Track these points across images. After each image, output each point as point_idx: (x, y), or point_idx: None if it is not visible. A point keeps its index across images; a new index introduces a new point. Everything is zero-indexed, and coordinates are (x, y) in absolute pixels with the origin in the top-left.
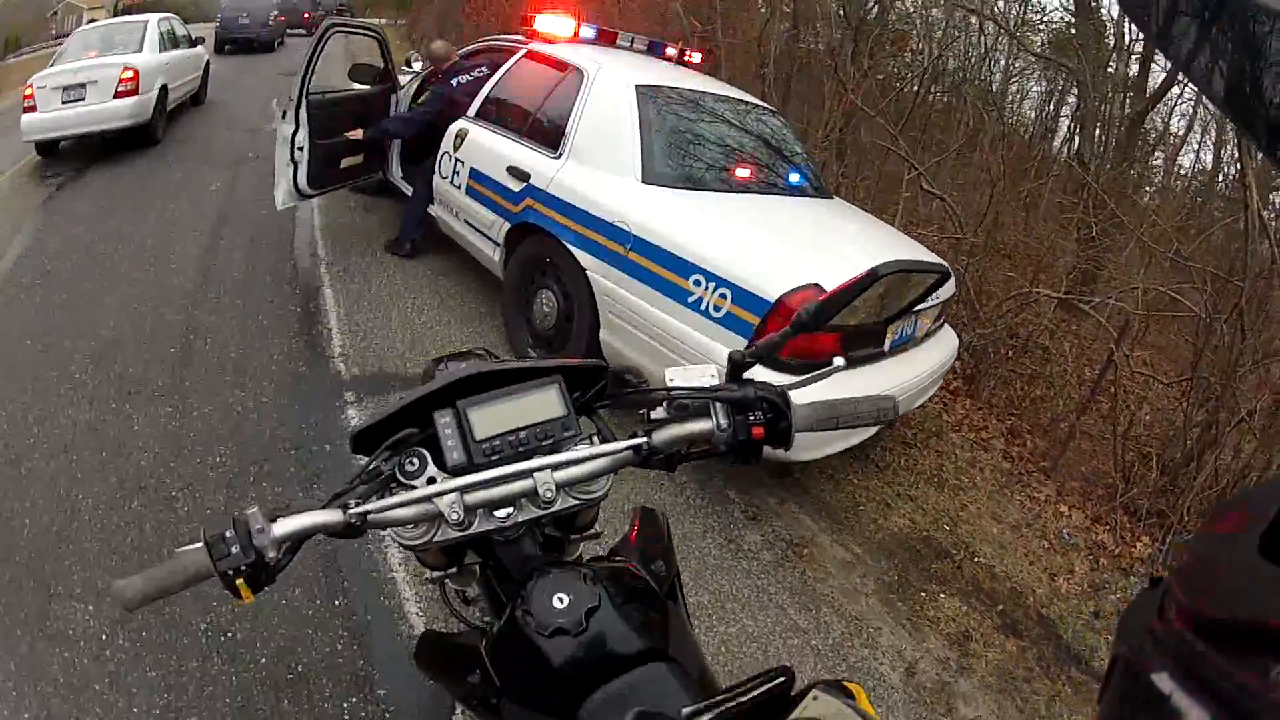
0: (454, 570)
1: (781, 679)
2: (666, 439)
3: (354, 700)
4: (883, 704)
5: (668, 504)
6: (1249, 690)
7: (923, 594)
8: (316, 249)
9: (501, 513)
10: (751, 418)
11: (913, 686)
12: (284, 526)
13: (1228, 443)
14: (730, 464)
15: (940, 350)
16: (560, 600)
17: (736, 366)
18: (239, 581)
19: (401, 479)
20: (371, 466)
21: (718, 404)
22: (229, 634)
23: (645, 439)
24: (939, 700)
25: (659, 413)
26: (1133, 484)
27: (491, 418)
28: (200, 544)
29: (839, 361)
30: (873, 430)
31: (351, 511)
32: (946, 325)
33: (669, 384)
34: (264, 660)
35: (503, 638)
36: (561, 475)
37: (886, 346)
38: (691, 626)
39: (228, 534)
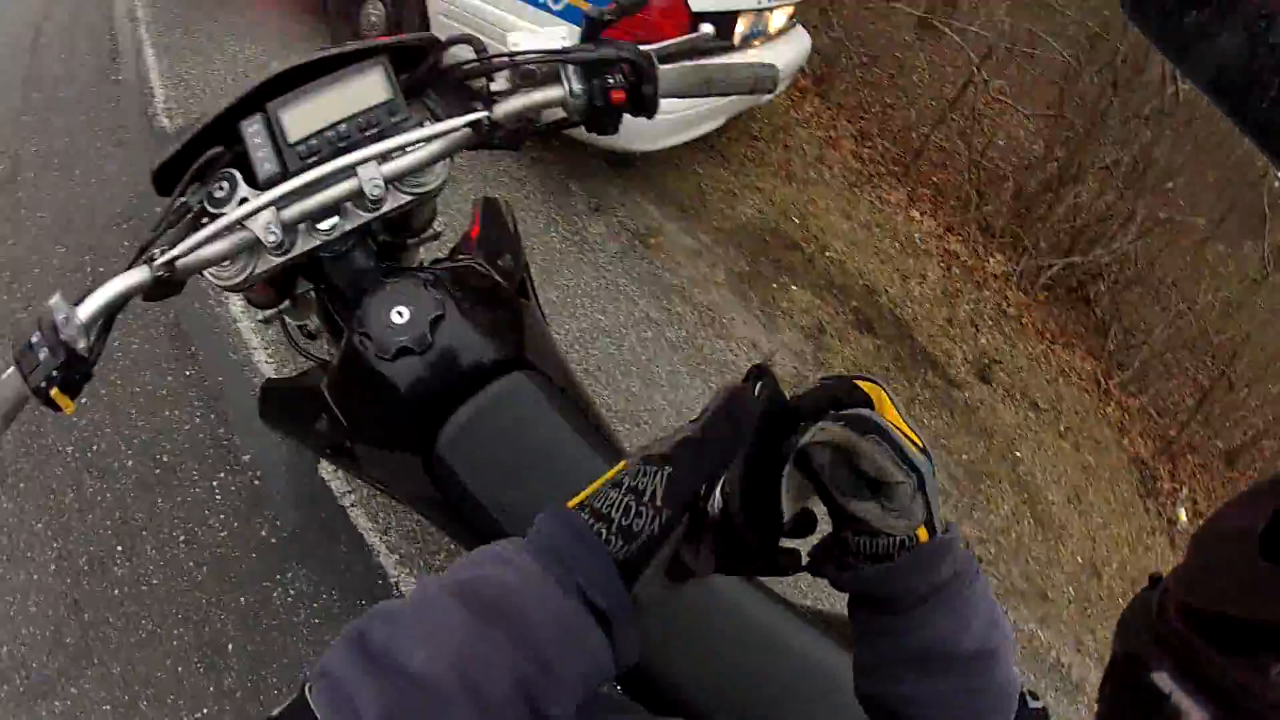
0: (286, 304)
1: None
2: (510, 111)
3: (222, 475)
4: None
5: (507, 199)
6: (1249, 690)
7: (774, 285)
8: (135, 13)
9: (325, 224)
10: (611, 81)
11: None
12: (89, 306)
13: (1088, 184)
14: (587, 132)
15: (792, 48)
16: (400, 314)
17: (594, 25)
18: (53, 392)
19: (211, 209)
20: (177, 204)
21: (570, 67)
22: (94, 447)
23: (485, 113)
24: (797, 394)
25: (501, 83)
26: (987, 202)
27: (307, 115)
28: (11, 368)
29: (706, 28)
30: (719, 122)
31: (158, 263)
32: (799, 25)
33: (512, 49)
34: (131, 463)
35: (343, 370)
36: (390, 168)
37: (736, 40)
38: (547, 324)
39: (34, 339)
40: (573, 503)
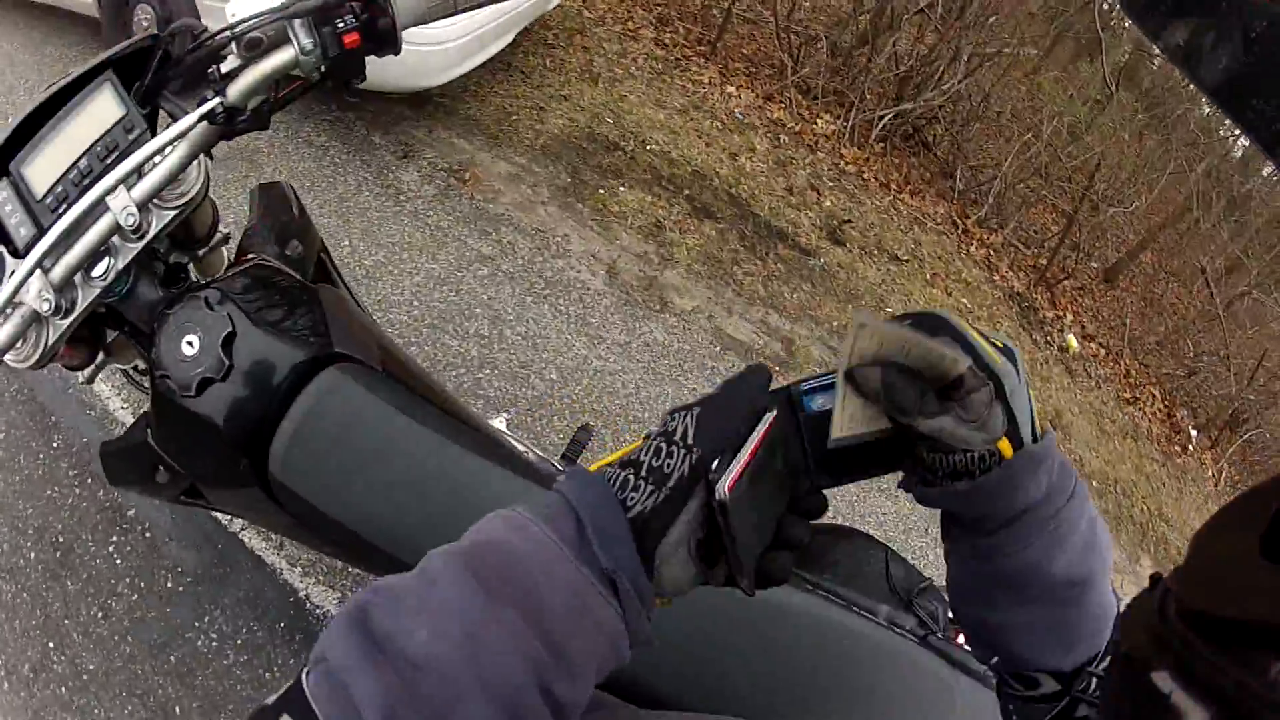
0: (102, 358)
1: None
2: (243, 89)
3: (115, 539)
4: (595, 312)
5: (313, 171)
6: (1249, 690)
7: (601, 191)
8: None
9: (99, 270)
10: (341, 25)
11: (619, 288)
12: None
13: (905, 30)
14: (340, 92)
15: None
16: (190, 344)
17: None
18: None
19: None
20: None
21: (295, 22)
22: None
23: (218, 99)
24: (651, 297)
25: (230, 61)
26: (802, 64)
27: (48, 162)
28: None
29: None
30: (507, 39)
31: None
32: None
33: (231, 21)
34: (34, 555)
35: (158, 417)
36: (139, 190)
37: None
38: (356, 302)
39: None
40: (602, 461)
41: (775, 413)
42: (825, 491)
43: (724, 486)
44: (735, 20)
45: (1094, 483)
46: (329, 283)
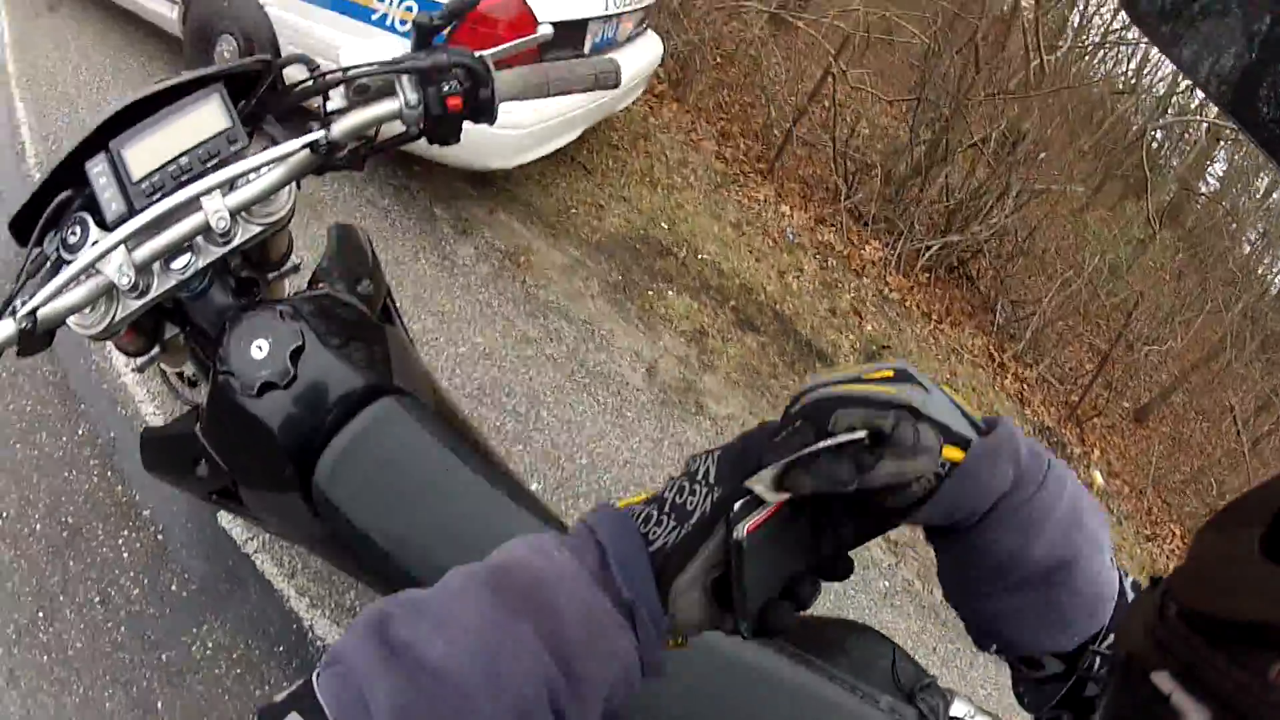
0: (156, 350)
1: None
2: (347, 128)
3: (126, 533)
4: (632, 406)
5: (372, 231)
6: (1249, 690)
7: (650, 292)
8: (6, 67)
9: (179, 263)
10: (446, 88)
11: (658, 387)
12: None
13: (957, 163)
14: (428, 143)
15: (644, 53)
16: (260, 348)
17: (424, 32)
18: None
19: (65, 256)
20: (34, 253)
21: (404, 77)
22: (4, 514)
23: (323, 132)
24: (687, 399)
25: (336, 101)
26: (856, 190)
27: (149, 151)
28: None
29: (545, 28)
30: (575, 134)
31: (20, 315)
32: (650, 30)
33: (345, 65)
34: (40, 527)
35: (212, 411)
36: (234, 198)
37: (587, 49)
38: (415, 348)
39: None
40: (627, 501)
41: None
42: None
43: (744, 528)
44: (794, 142)
45: None
46: (391, 324)
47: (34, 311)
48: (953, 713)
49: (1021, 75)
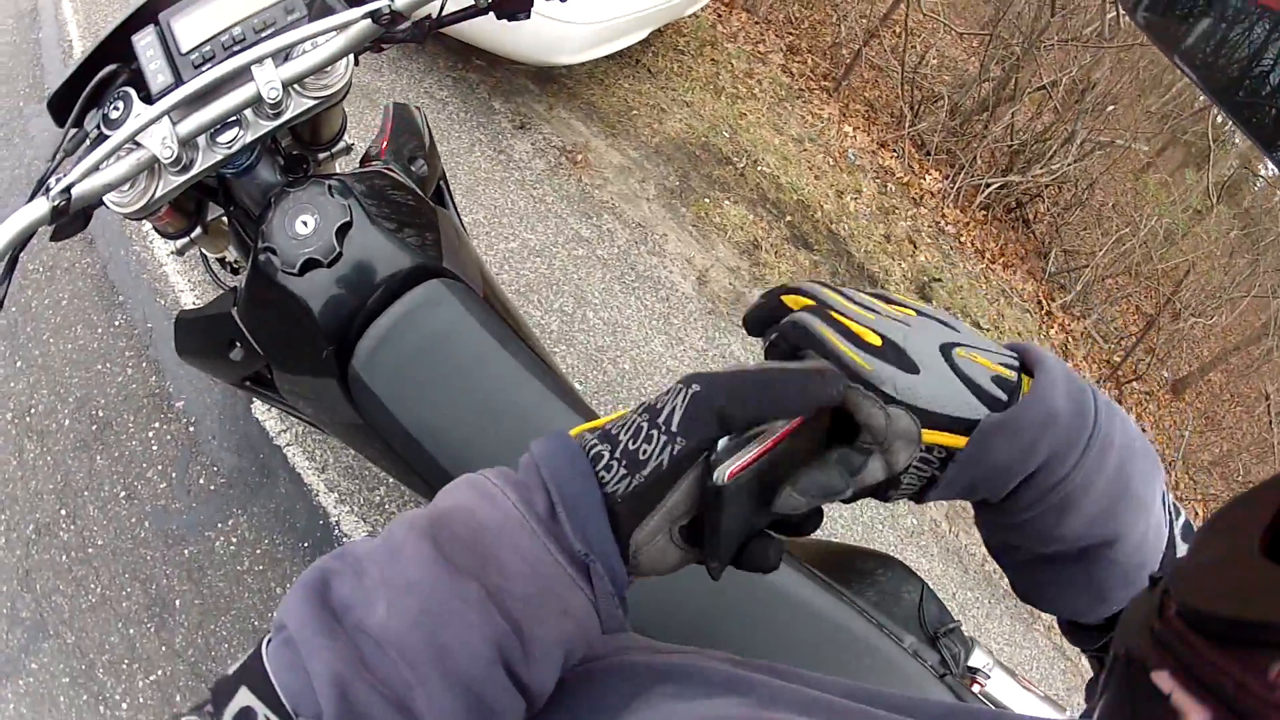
0: (198, 232)
1: None
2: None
3: (157, 425)
4: (680, 314)
5: (429, 120)
6: (1249, 690)
7: (706, 200)
8: None
9: (226, 137)
10: None
11: (707, 296)
12: None
13: (1024, 104)
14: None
15: None
16: (305, 224)
17: None
18: None
19: (107, 132)
20: (73, 131)
21: None
22: (32, 410)
23: (386, 1)
24: (736, 311)
25: None
26: (920, 119)
27: (200, 22)
28: None
29: None
30: (642, 34)
31: (54, 192)
32: None
33: None
34: (68, 422)
35: (250, 291)
36: (288, 69)
37: None
38: (466, 232)
39: None
40: (583, 427)
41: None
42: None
43: (725, 473)
44: (862, 64)
45: None
46: (444, 207)
47: (69, 188)
48: (971, 662)
49: (1097, 25)
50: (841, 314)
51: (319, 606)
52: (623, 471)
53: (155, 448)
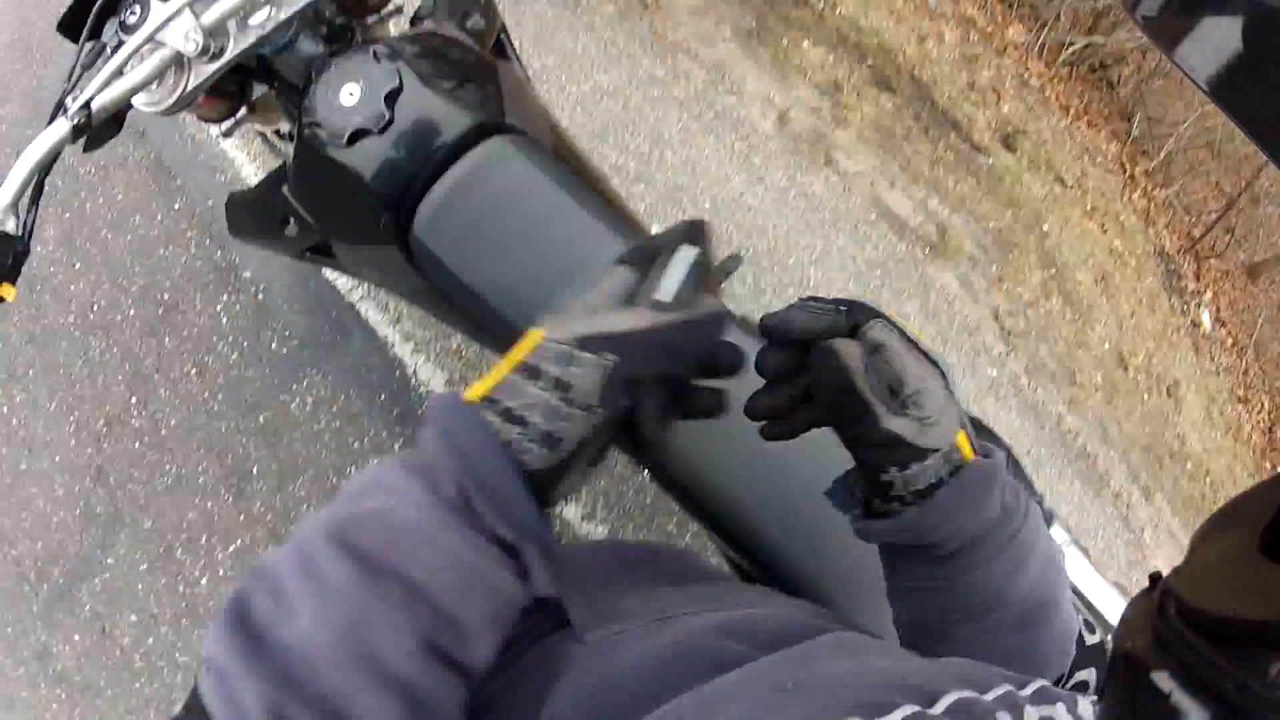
0: (244, 112)
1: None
2: None
3: (225, 298)
4: (760, 153)
5: None
6: (1249, 690)
7: (785, 41)
8: None
9: (258, 18)
10: None
11: (788, 136)
12: (9, 186)
13: None
14: None
15: None
16: (350, 94)
17: None
18: None
19: (125, 39)
20: (88, 46)
21: None
22: (95, 307)
23: None
24: (817, 151)
25: None
26: None
27: None
28: None
29: None
30: None
31: (71, 111)
32: None
33: None
34: (133, 312)
35: (299, 167)
36: None
37: None
38: (530, 83)
39: None
40: (478, 391)
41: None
42: None
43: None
44: None
45: (1189, 464)
46: (505, 60)
47: (87, 103)
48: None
49: None
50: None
51: (240, 633)
52: (542, 451)
53: (225, 320)
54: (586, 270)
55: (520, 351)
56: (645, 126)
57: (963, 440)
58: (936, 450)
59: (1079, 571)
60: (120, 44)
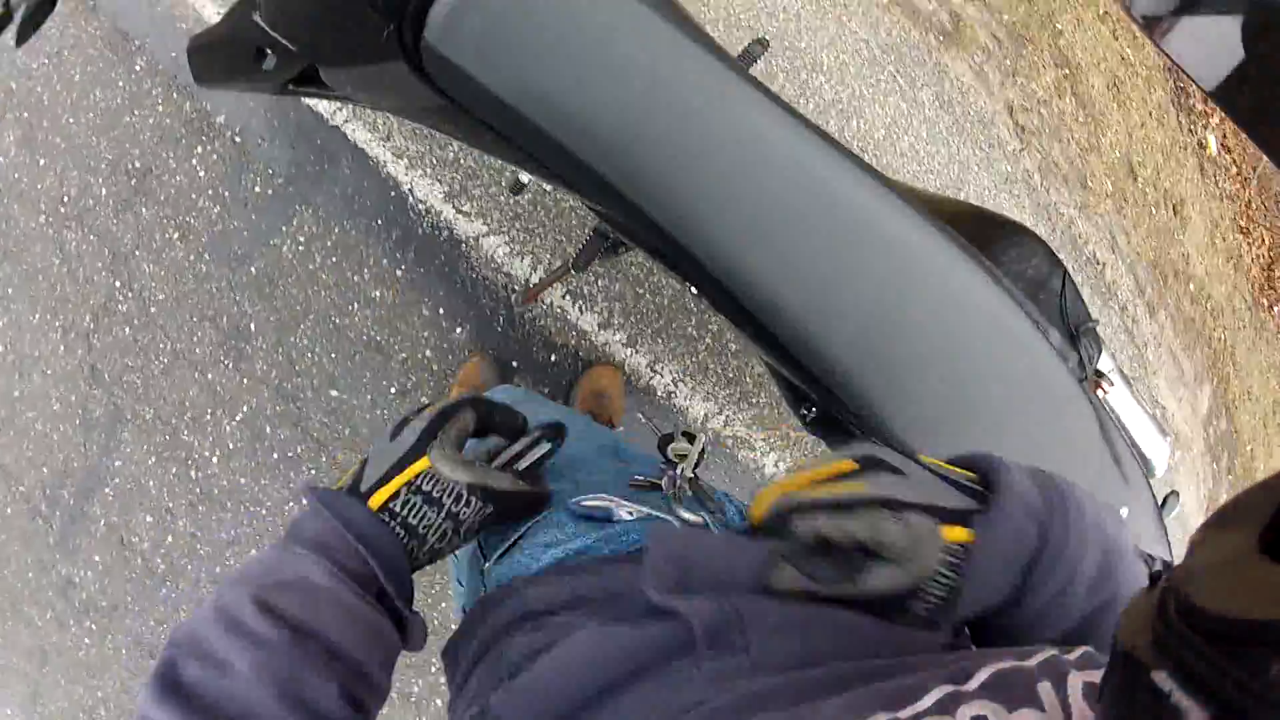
0: None
1: None
2: None
3: (199, 150)
4: None
5: None
6: (1249, 690)
7: None
8: None
9: None
10: None
11: None
12: None
13: None
14: None
15: None
16: None
17: None
18: None
19: None
20: None
21: None
22: (65, 198)
23: None
24: None
25: None
26: None
27: None
28: None
29: None
30: None
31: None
32: None
33: None
34: (104, 191)
35: None
36: None
37: None
38: None
39: None
40: (377, 498)
41: None
42: None
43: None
44: None
45: (1191, 285)
46: None
47: None
48: (1100, 365)
49: None
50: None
51: (172, 697)
52: (419, 545)
53: (202, 173)
54: (635, 68)
55: (410, 474)
56: None
57: (956, 534)
58: (932, 574)
59: (1123, 403)
60: None
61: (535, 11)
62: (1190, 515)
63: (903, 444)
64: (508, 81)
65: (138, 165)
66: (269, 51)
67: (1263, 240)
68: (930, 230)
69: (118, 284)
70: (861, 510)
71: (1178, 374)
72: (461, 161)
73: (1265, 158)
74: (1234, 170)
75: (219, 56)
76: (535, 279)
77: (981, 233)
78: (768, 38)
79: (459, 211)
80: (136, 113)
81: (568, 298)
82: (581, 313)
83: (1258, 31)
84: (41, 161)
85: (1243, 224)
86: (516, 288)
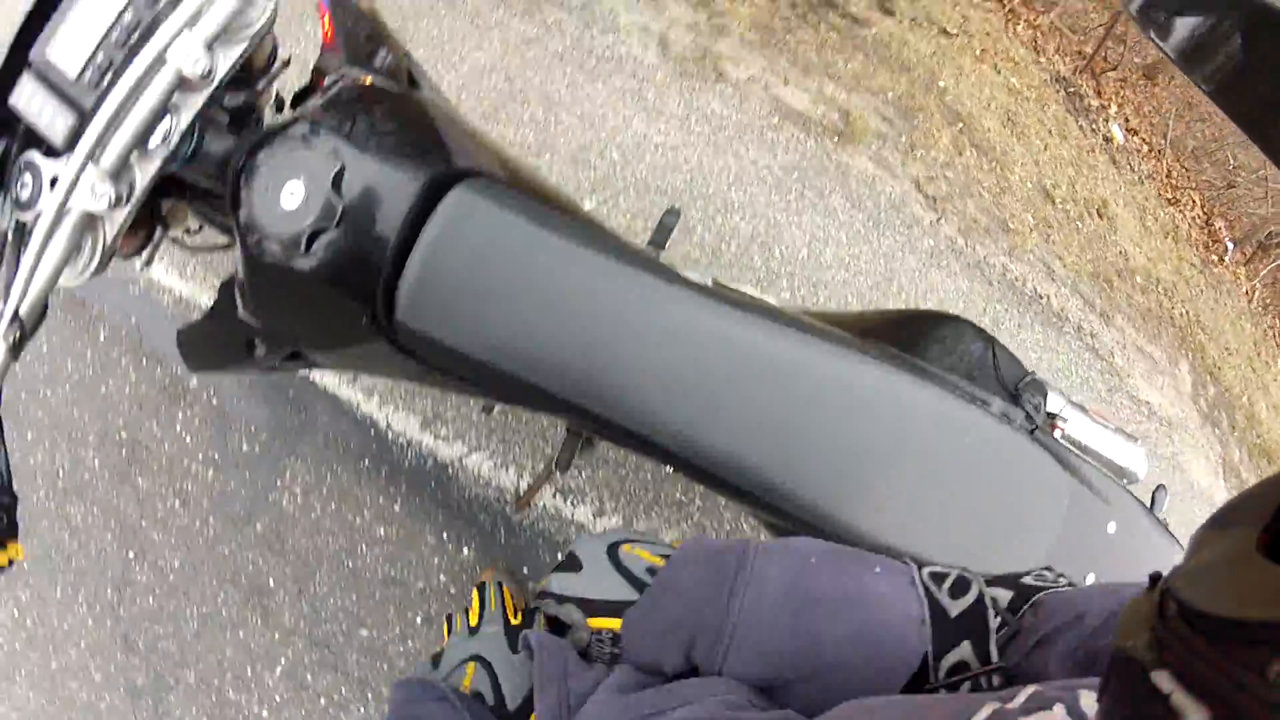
0: (160, 233)
1: None
2: None
3: (181, 416)
4: (651, 87)
5: None
6: (1249, 690)
7: None
8: None
9: (157, 137)
10: None
11: (673, 60)
12: None
13: None
14: None
15: None
16: (292, 194)
17: None
18: None
19: (23, 217)
20: None
21: None
22: (60, 472)
23: None
24: (706, 68)
25: None
26: None
27: (76, 35)
28: None
29: None
30: None
31: (4, 329)
32: None
33: None
34: (98, 463)
35: (254, 289)
36: (204, 29)
37: None
38: (452, 105)
39: None
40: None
41: None
42: None
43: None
44: None
45: (1137, 278)
46: (418, 87)
47: (16, 314)
48: (1050, 407)
49: None
50: None
51: None
52: None
53: (188, 439)
54: (584, 296)
55: None
56: (533, 93)
57: (594, 622)
58: (589, 645)
59: (1083, 429)
60: (20, 226)
61: (488, 275)
62: (1208, 487)
63: (889, 549)
64: (476, 340)
65: (124, 435)
66: (257, 341)
67: (1193, 202)
68: (853, 355)
69: (131, 555)
70: (549, 600)
71: (1151, 365)
72: (428, 389)
73: (1172, 123)
74: (1145, 149)
75: (212, 349)
76: (524, 486)
77: (910, 333)
78: (678, 206)
79: (437, 437)
80: (111, 382)
81: (558, 496)
82: (574, 507)
83: (1258, 31)
84: (29, 436)
85: (1169, 196)
86: (508, 498)
